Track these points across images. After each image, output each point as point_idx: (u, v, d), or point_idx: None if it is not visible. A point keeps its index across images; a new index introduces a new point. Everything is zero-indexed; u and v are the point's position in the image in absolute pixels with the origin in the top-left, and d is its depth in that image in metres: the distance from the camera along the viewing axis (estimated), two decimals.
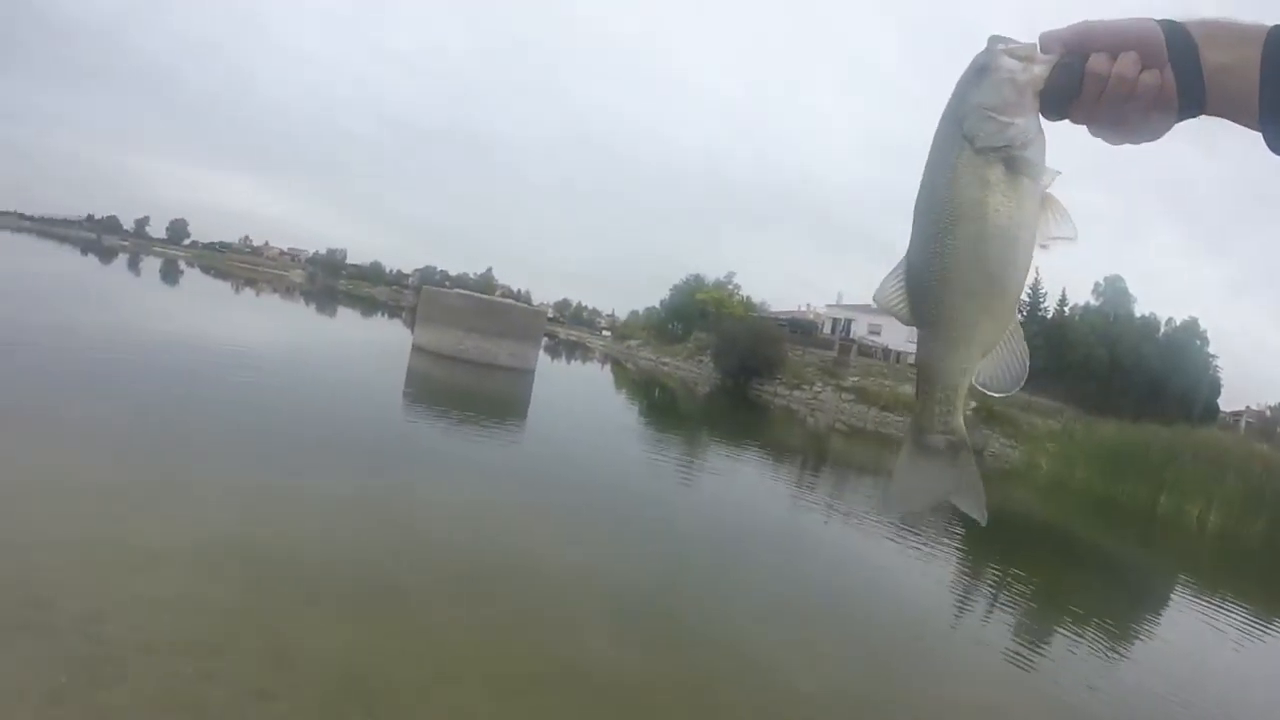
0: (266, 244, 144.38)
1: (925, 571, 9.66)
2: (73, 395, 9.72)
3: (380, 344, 29.54)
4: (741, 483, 13.68)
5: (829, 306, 59.27)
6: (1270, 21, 0.79)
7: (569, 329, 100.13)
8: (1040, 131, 0.80)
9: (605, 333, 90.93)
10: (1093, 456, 26.43)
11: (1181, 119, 0.82)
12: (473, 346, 23.42)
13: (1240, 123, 0.81)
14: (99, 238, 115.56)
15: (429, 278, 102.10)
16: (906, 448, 0.87)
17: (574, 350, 56.92)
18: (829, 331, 53.86)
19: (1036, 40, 0.82)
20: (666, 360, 50.79)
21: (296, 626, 4.64)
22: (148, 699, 3.55)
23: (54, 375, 10.77)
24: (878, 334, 48.99)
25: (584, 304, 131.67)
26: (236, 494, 6.98)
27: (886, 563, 9.96)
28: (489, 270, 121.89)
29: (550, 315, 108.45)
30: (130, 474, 6.94)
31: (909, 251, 0.84)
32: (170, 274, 54.35)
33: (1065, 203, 0.83)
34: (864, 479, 18.49)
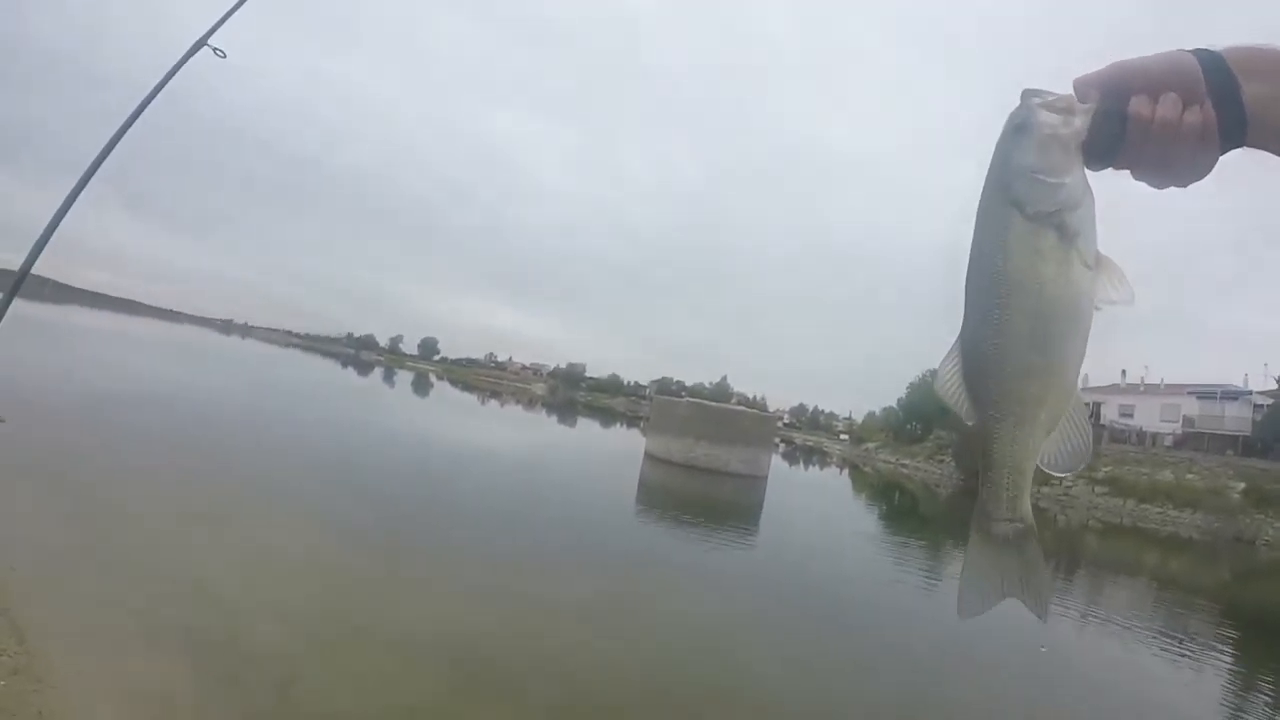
0: (510, 359, 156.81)
1: (1197, 684, 8.39)
2: (325, 485, 10.94)
3: (616, 452, 30.60)
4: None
5: None
6: None
7: (805, 434, 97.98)
8: (1089, 188, 0.76)
9: (843, 436, 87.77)
10: None
11: (1224, 153, 0.77)
12: (703, 454, 23.55)
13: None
14: (357, 353, 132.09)
15: (665, 388, 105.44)
16: (973, 539, 0.82)
17: (810, 456, 55.59)
18: None
19: (1071, 87, 0.77)
20: (906, 462, 48.20)
21: None
22: None
23: (311, 465, 12.22)
24: (1130, 416, 43.05)
25: (820, 408, 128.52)
26: (462, 589, 7.43)
27: (1154, 671, 8.73)
28: (724, 379, 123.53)
29: (785, 421, 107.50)
30: (365, 560, 7.62)
31: (963, 331, 0.80)
32: (421, 385, 60.77)
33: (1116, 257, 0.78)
34: (1122, 582, 16.52)
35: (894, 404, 61.83)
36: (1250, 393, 37.76)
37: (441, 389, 63.67)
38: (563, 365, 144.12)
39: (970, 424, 0.80)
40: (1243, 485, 26.86)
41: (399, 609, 6.42)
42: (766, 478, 24.42)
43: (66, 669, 4.08)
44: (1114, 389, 46.56)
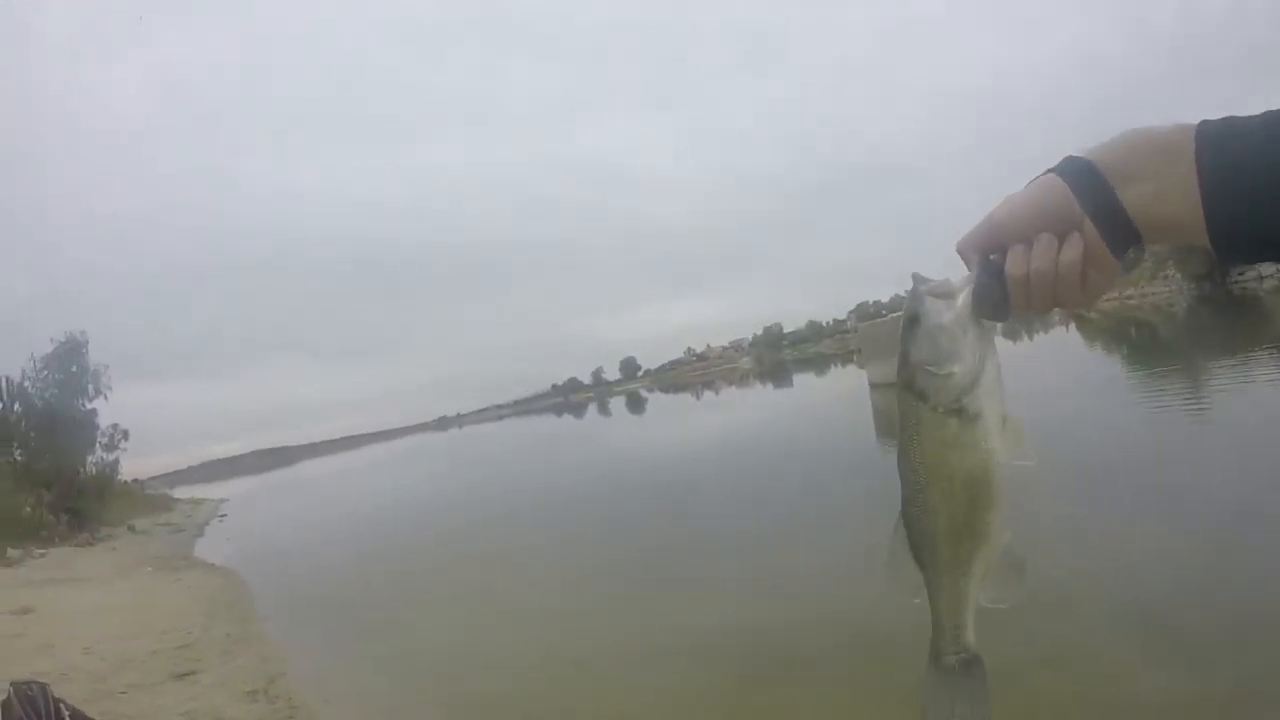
0: (708, 346, 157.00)
1: None
2: (583, 528, 11.52)
3: (841, 394, 29.85)
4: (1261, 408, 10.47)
5: None
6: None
7: None
8: (987, 353, 0.82)
9: None
10: None
11: (1122, 259, 0.75)
12: None
13: (1186, 242, 0.75)
14: (566, 398, 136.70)
15: (864, 314, 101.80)
16: (927, 673, 0.92)
17: (1030, 323, 51.02)
18: None
19: (956, 252, 0.82)
20: (1129, 292, 44.14)
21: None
22: None
23: (561, 519, 12.83)
24: None
25: None
26: (734, 580, 7.58)
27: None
28: (915, 276, 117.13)
29: None
30: (639, 582, 8.13)
31: (901, 507, 0.89)
32: (635, 404, 61.68)
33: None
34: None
35: None
36: None
37: (655, 399, 64.89)
38: (759, 333, 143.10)
39: (915, 599, 0.89)
40: None
41: (685, 618, 6.63)
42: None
43: None
44: None
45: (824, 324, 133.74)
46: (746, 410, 35.61)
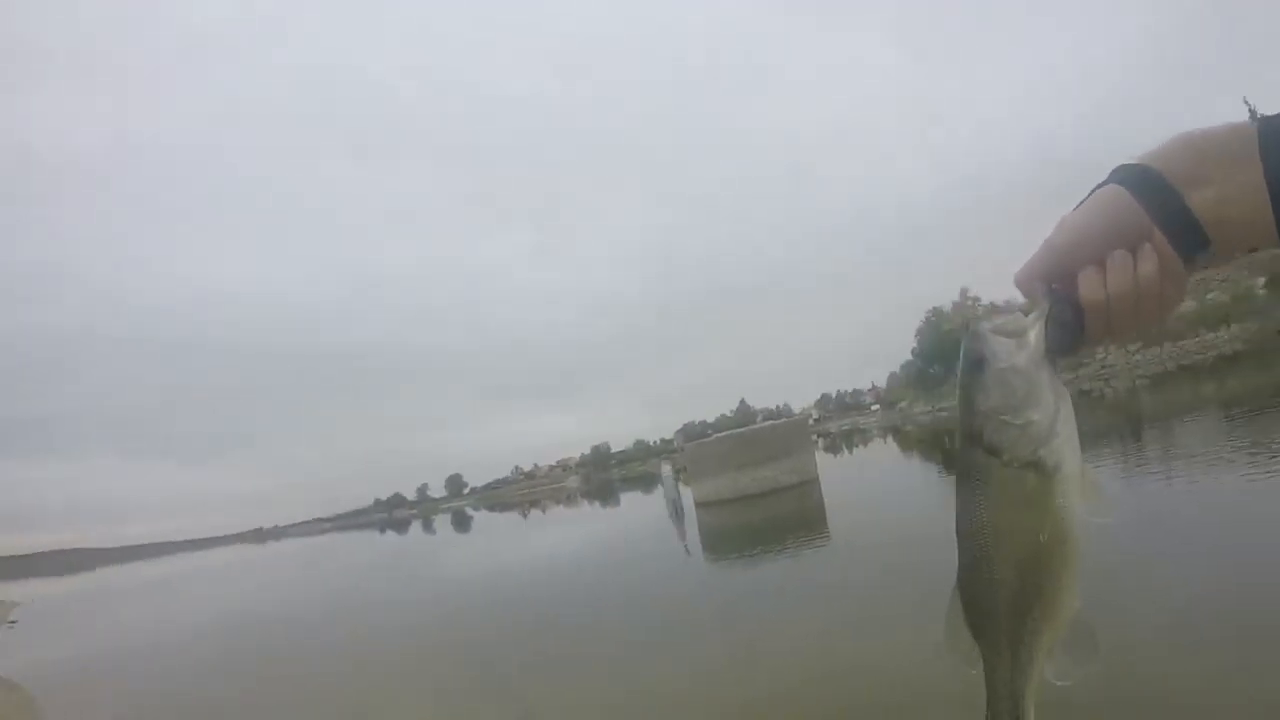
0: (535, 465, 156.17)
1: None
2: (411, 658, 10.74)
3: (664, 514, 30.03)
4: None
5: None
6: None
7: (839, 420, 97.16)
8: (1061, 395, 0.73)
9: (874, 407, 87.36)
10: None
11: (1192, 269, 0.72)
12: (749, 480, 23.29)
13: (1254, 246, 0.71)
14: (390, 514, 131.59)
15: (691, 434, 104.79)
16: None
17: (850, 439, 54.92)
18: None
19: (1015, 286, 0.74)
20: (943, 405, 47.82)
21: None
22: None
23: (388, 651, 11.99)
24: None
25: (843, 390, 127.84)
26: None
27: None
28: (742, 402, 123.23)
29: (815, 417, 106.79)
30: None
31: (958, 580, 0.80)
32: (461, 522, 60.11)
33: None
34: (1191, 420, 16.42)
35: (910, 356, 61.61)
36: None
37: (481, 518, 63.08)
38: (587, 451, 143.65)
39: (973, 670, 0.81)
40: (1263, 279, 26.37)
41: None
42: (817, 478, 24.07)
43: None
44: None
45: (651, 443, 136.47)
46: (573, 527, 35.08)
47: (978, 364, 0.73)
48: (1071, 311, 0.71)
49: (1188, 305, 29.34)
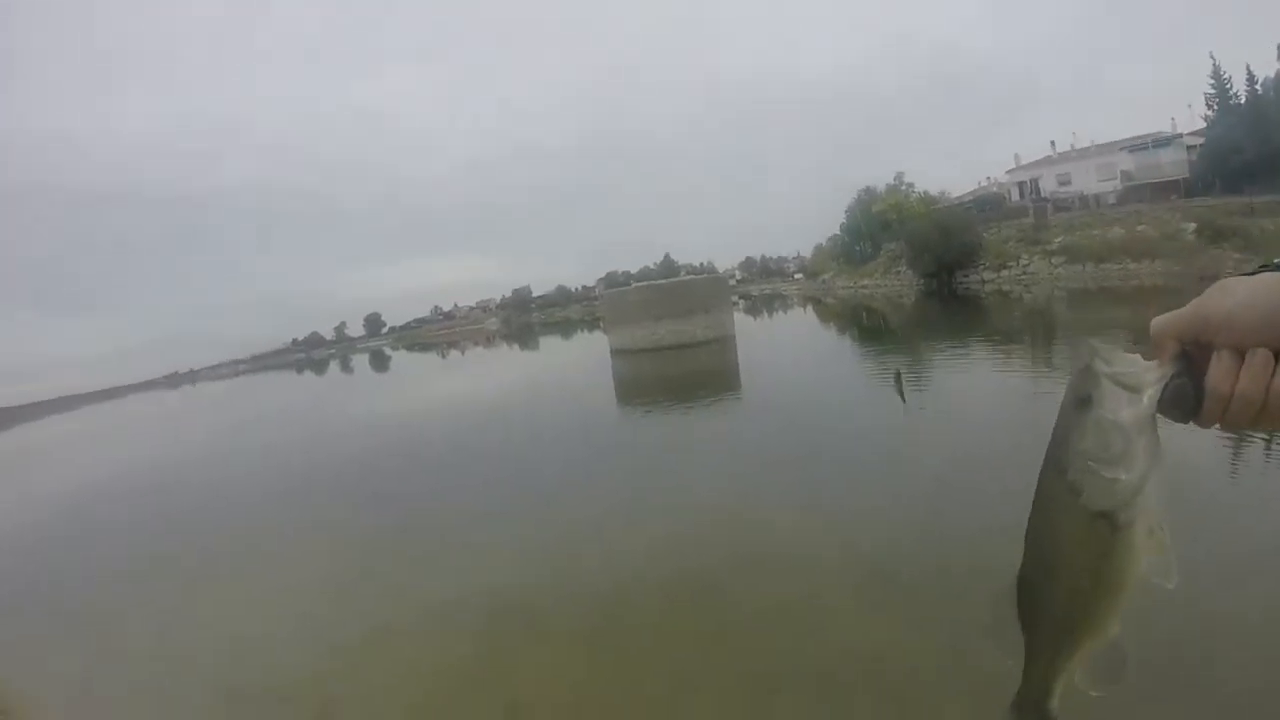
0: (455, 305, 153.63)
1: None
2: (327, 500, 10.66)
3: (584, 359, 30.21)
4: (978, 388, 11.92)
5: (1009, 172, 52.50)
6: None
7: (760, 284, 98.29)
8: (1155, 457, 0.71)
9: (797, 276, 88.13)
10: None
11: None
12: (666, 332, 23.38)
13: None
14: (308, 354, 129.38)
15: (613, 282, 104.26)
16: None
17: (771, 303, 55.78)
18: (1018, 198, 47.88)
19: (1150, 335, 0.72)
20: (865, 282, 48.39)
21: (530, 670, 4.65)
22: None
23: (303, 489, 11.83)
24: (1068, 183, 42.90)
25: (768, 255, 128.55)
26: (471, 546, 7.24)
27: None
28: (666, 256, 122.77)
29: (738, 277, 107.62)
30: (395, 552, 7.62)
31: (1021, 569, 0.83)
32: (379, 362, 59.13)
33: None
34: (1099, 339, 16.46)
35: (838, 231, 61.83)
36: (1180, 135, 37.83)
37: (399, 358, 62.27)
38: (508, 294, 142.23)
39: (1010, 661, 0.85)
40: (1194, 225, 27.07)
41: (437, 582, 6.44)
42: (734, 336, 24.39)
43: None
44: (1047, 160, 46.57)
45: (573, 289, 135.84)
46: (492, 367, 35.08)
47: (1083, 402, 0.72)
48: (1193, 388, 0.68)
49: (1116, 232, 30.05)
